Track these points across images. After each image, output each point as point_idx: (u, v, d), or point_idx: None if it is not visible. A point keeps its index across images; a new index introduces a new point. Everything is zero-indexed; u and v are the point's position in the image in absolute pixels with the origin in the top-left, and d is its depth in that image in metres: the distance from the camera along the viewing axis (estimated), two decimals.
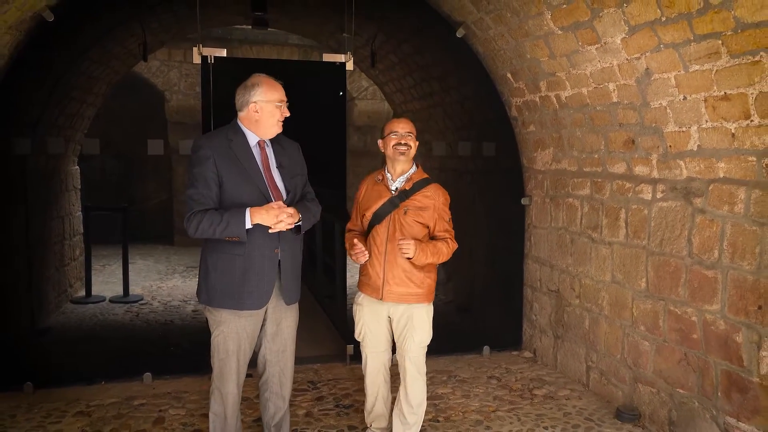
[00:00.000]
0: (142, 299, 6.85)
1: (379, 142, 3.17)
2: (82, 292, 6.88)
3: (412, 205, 3.05)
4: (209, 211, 2.63)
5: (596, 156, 4.04)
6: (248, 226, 2.60)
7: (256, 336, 2.86)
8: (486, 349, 4.95)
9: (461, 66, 5.26)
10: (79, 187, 7.09)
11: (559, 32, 3.70)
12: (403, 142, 3.05)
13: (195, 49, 4.11)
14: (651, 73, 3.23)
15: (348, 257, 3.28)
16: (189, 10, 5.54)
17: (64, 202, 6.49)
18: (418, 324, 3.08)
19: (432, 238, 3.10)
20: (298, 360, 4.57)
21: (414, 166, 3.16)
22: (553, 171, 4.58)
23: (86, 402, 3.89)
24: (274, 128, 2.79)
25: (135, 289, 7.23)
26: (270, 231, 2.65)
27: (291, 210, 2.66)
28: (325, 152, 4.81)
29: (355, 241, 3.02)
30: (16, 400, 3.89)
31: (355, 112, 10.84)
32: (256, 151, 2.78)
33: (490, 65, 4.72)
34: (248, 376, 3.05)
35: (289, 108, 2.82)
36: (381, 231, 3.05)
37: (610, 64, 3.49)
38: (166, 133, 10.05)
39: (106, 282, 7.66)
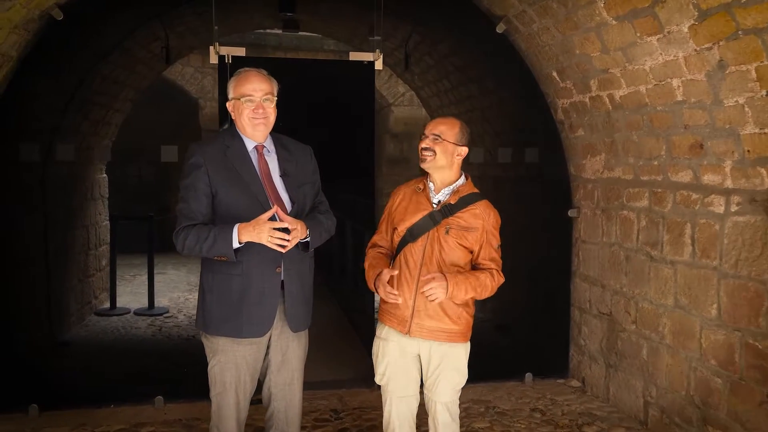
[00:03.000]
0: (167, 312, 6.61)
1: None
2: (108, 304, 6.71)
3: (455, 224, 2.52)
4: (197, 226, 2.30)
5: (656, 163, 3.56)
6: (236, 245, 2.24)
7: (258, 367, 2.50)
8: (528, 376, 4.49)
9: (501, 66, 4.85)
10: (106, 195, 6.93)
11: (614, 22, 3.25)
12: (423, 145, 2.55)
13: (211, 48, 3.83)
14: (725, 65, 2.76)
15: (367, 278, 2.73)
16: (218, 13, 5.32)
17: (89, 210, 6.32)
18: (453, 366, 2.58)
19: (474, 266, 2.58)
20: (323, 384, 4.26)
21: (462, 177, 2.65)
22: (604, 180, 4.10)
23: (92, 428, 3.62)
24: (250, 128, 2.40)
25: (162, 301, 7.02)
26: (280, 250, 2.26)
27: (295, 223, 2.29)
28: (353, 158, 4.46)
29: (388, 284, 2.46)
30: (19, 424, 3.65)
31: (391, 119, 10.49)
32: (253, 157, 2.43)
33: (534, 63, 4.29)
34: (258, 402, 2.69)
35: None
36: (416, 251, 2.53)
37: (675, 56, 3.02)
38: (200, 140, 9.92)
39: (134, 293, 7.49)
